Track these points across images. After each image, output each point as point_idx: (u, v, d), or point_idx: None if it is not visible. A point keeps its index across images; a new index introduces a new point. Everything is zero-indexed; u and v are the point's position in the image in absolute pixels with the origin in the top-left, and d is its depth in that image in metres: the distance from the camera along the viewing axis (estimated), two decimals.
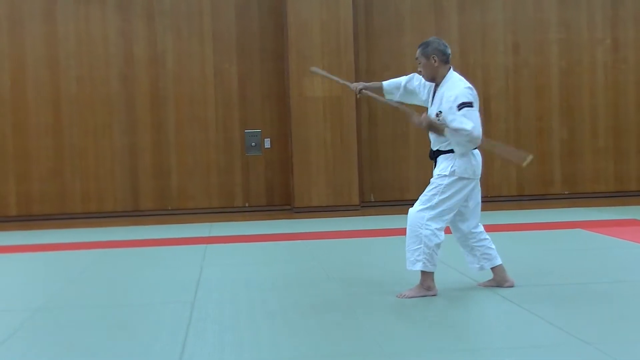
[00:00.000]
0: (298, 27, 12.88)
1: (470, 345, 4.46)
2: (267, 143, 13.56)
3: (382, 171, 13.76)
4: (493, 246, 5.97)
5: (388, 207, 13.36)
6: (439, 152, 5.79)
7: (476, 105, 5.74)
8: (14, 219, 13.13)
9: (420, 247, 5.62)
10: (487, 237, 5.98)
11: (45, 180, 13.25)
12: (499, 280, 5.97)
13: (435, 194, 5.70)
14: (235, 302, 5.76)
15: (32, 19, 13.19)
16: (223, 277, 6.82)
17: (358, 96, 6.39)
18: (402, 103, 6.23)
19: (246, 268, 7.42)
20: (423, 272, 5.69)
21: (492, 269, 5.98)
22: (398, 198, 13.68)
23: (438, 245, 5.66)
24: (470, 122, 5.57)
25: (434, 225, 5.65)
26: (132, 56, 13.36)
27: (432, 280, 5.74)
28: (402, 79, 6.22)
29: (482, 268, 5.98)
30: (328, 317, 5.22)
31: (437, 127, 5.68)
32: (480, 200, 5.99)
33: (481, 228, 5.98)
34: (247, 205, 13.13)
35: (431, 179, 5.80)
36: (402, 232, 9.78)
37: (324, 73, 7.04)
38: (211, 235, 10.21)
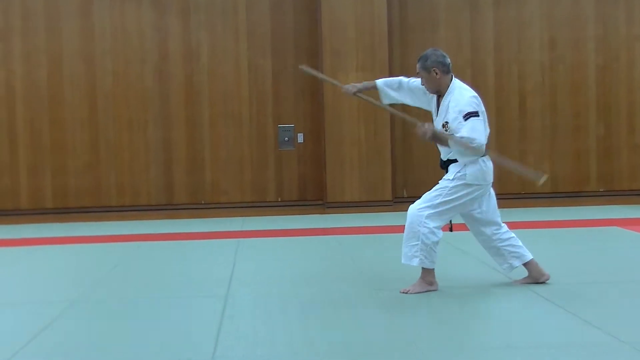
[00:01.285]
0: (332, 23, 12.87)
1: (505, 343, 4.43)
2: (300, 138, 13.58)
3: (415, 167, 13.70)
4: (520, 243, 5.92)
5: None
6: (449, 162, 5.79)
7: (482, 113, 5.72)
8: (51, 212, 13.28)
9: (418, 244, 5.63)
10: (512, 235, 5.95)
11: (81, 173, 13.39)
12: (535, 275, 5.92)
13: (439, 195, 5.69)
14: (268, 296, 5.77)
15: (69, 15, 13.31)
16: (256, 272, 6.84)
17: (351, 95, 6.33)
18: (403, 111, 6.19)
19: (279, 263, 7.44)
20: (423, 269, 5.71)
21: (525, 265, 5.93)
22: None
23: (436, 243, 5.66)
24: (475, 131, 5.57)
25: (432, 223, 5.64)
26: (167, 51, 13.44)
27: (433, 276, 5.76)
28: (403, 78, 6.16)
29: (511, 267, 5.94)
30: (361, 312, 5.22)
31: (441, 138, 5.71)
32: (495, 203, 5.94)
33: (505, 228, 5.95)
34: (279, 200, 13.16)
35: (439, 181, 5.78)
36: None
37: (315, 72, 6.96)
38: (244, 229, 10.25)
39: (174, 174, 13.45)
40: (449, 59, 5.81)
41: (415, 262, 5.65)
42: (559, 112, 13.67)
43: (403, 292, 5.68)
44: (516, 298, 5.59)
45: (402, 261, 5.71)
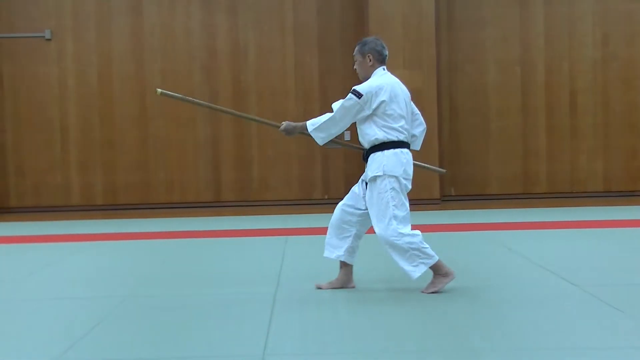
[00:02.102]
0: (379, 20, 12.83)
1: (558, 344, 4.36)
2: (347, 135, 13.55)
3: (463, 165, 13.62)
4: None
5: (469, 201, 13.24)
6: (367, 151, 5.72)
7: (368, 100, 5.57)
8: (100, 208, 13.47)
9: (409, 254, 5.56)
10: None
11: (130, 170, 13.55)
12: (346, 280, 5.91)
13: (387, 207, 5.58)
14: (317, 293, 5.77)
15: (119, 14, 13.48)
16: (304, 269, 6.84)
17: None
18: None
19: (326, 260, 7.42)
20: (432, 266, 5.66)
21: (345, 265, 5.89)
22: (479, 192, 13.55)
23: (421, 241, 5.59)
24: (340, 108, 5.59)
25: (405, 231, 5.58)
26: (215, 49, 13.54)
27: (443, 265, 5.68)
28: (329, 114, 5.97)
29: (338, 257, 5.87)
30: (409, 310, 5.18)
31: (298, 127, 5.76)
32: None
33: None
34: (326, 197, 13.16)
35: (374, 195, 5.63)
36: (483, 227, 9.76)
37: (178, 96, 6.61)
38: (291, 226, 10.26)
39: (222, 171, 13.54)
40: (387, 52, 5.77)
41: (422, 269, 5.60)
42: (611, 109, 13.48)
43: (424, 292, 5.64)
44: (566, 298, 5.50)
45: (413, 278, 5.63)
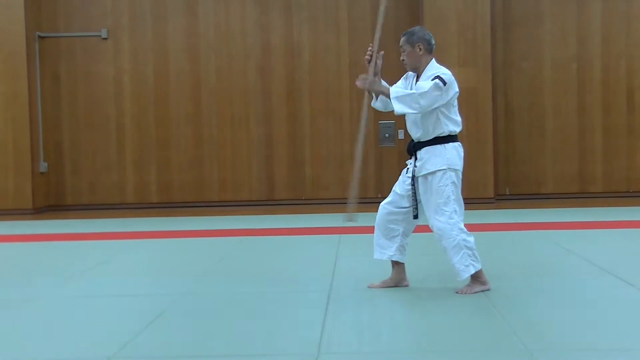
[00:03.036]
0: (434, 18, 12.76)
1: (612, 345, 4.28)
2: (401, 134, 13.51)
3: (518, 164, 13.47)
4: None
5: (524, 200, 13.10)
6: (419, 145, 5.62)
7: (449, 89, 5.46)
8: (155, 206, 13.63)
9: (462, 252, 5.51)
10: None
11: (184, 169, 13.68)
12: (399, 279, 5.86)
13: (447, 201, 5.52)
14: (371, 292, 5.75)
15: (175, 13, 13.62)
16: (358, 267, 6.82)
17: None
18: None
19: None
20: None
21: (395, 265, 5.84)
22: (534, 192, 13.39)
23: (473, 243, 5.55)
24: (428, 92, 5.37)
25: (462, 226, 5.54)
26: (269, 48, 13.59)
27: (483, 274, 5.63)
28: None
29: (390, 257, 5.82)
30: (465, 308, 5.14)
31: (381, 88, 5.56)
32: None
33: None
34: (379, 196, 13.11)
35: (432, 189, 5.55)
36: (539, 226, 9.63)
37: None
38: (345, 225, 10.24)
39: (275, 169, 13.60)
40: (434, 41, 5.68)
41: (471, 270, 5.54)
42: None
43: (459, 293, 5.58)
44: (626, 299, 5.40)
45: (460, 278, 5.58)
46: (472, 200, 12.69)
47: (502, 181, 13.38)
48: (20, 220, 12.40)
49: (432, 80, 5.43)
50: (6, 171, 13.19)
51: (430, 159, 5.58)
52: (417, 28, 5.82)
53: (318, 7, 13.58)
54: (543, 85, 13.53)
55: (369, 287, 5.87)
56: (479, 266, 5.57)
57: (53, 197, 13.89)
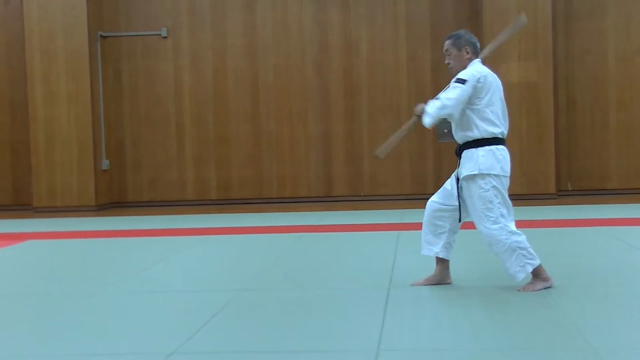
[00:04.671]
0: (494, 12, 12.61)
1: None
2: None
3: (581, 159, 13.23)
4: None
5: (587, 196, 12.87)
6: (464, 148, 5.54)
7: (471, 85, 5.39)
8: (214, 203, 13.74)
9: (517, 254, 5.41)
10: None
11: (243, 165, 13.77)
12: (441, 276, 5.79)
13: (491, 206, 5.43)
14: (431, 289, 5.70)
15: (233, 11, 13.71)
16: (417, 264, 6.75)
17: None
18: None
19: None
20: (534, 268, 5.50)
21: (442, 262, 5.77)
22: (598, 187, 13.14)
23: (525, 240, 5.44)
24: (448, 96, 5.39)
25: (510, 228, 5.43)
26: (327, 44, 13.59)
27: (544, 269, 5.53)
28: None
29: (436, 254, 5.75)
30: (525, 306, 5.05)
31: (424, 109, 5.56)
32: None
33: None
34: None
35: (473, 195, 5.47)
36: (602, 222, 9.43)
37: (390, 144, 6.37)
38: (404, 221, 10.19)
39: (333, 166, 13.59)
40: (479, 43, 5.64)
41: (528, 269, 5.45)
42: None
43: (521, 291, 5.48)
44: None
45: (517, 279, 5.49)
46: (532, 196, 12.52)
47: (564, 177, 13.15)
48: (84, 217, 12.62)
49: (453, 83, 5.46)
50: (70, 169, 13.43)
51: (465, 163, 5.52)
52: (462, 31, 5.76)
53: (376, 2, 13.52)
54: (607, 78, 13.26)
55: (412, 285, 5.81)
56: (536, 262, 5.47)
57: (115, 194, 14.11)
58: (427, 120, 5.49)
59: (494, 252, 5.52)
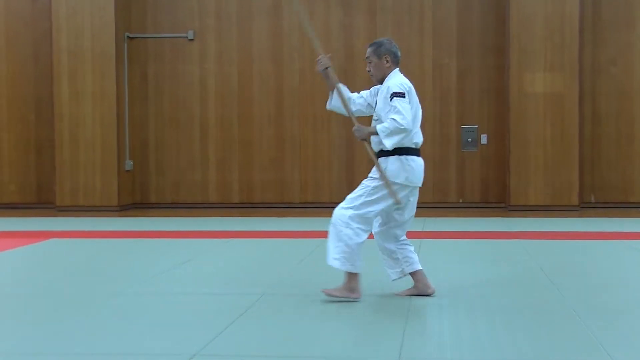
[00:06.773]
0: (520, 21, 12.57)
1: None
2: (484, 139, 13.35)
3: (605, 171, 13.15)
4: (414, 252, 5.77)
5: (610, 208, 12.78)
6: (381, 153, 5.60)
7: (410, 97, 5.53)
8: (237, 206, 13.78)
9: (340, 245, 5.45)
10: (410, 243, 5.80)
11: (266, 169, 13.79)
12: (420, 287, 5.74)
13: (361, 195, 5.54)
14: (451, 298, 5.69)
15: (260, 14, 13.76)
16: (438, 273, 6.74)
17: (320, 70, 6.12)
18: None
19: (462, 265, 7.33)
20: (348, 273, 5.52)
21: (412, 275, 5.72)
22: (621, 200, 13.06)
23: (359, 245, 5.47)
24: (400, 112, 5.42)
25: (356, 224, 5.46)
26: (353, 50, 13.60)
27: (357, 282, 5.55)
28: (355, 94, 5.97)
29: (402, 272, 5.74)
30: (547, 318, 5.04)
31: (372, 131, 5.56)
32: (414, 213, 5.79)
33: (404, 236, 5.80)
34: (461, 201, 12.98)
35: (364, 182, 5.62)
36: (626, 235, 9.37)
37: (307, 25, 6.68)
38: (425, 230, 10.18)
39: (356, 172, 13.58)
40: (400, 54, 5.75)
41: (337, 264, 5.49)
42: None
43: (324, 292, 5.56)
44: None
45: (327, 262, 5.55)
46: (555, 207, 12.46)
47: (587, 188, 13.08)
48: (106, 217, 12.69)
49: (391, 100, 5.48)
50: (93, 169, 13.52)
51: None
52: (384, 39, 5.86)
53: (403, 9, 13.52)
54: (633, 90, 13.18)
55: (395, 295, 5.81)
56: (350, 268, 5.49)
57: (138, 195, 14.19)
58: (389, 144, 5.51)
59: (329, 231, 5.56)
